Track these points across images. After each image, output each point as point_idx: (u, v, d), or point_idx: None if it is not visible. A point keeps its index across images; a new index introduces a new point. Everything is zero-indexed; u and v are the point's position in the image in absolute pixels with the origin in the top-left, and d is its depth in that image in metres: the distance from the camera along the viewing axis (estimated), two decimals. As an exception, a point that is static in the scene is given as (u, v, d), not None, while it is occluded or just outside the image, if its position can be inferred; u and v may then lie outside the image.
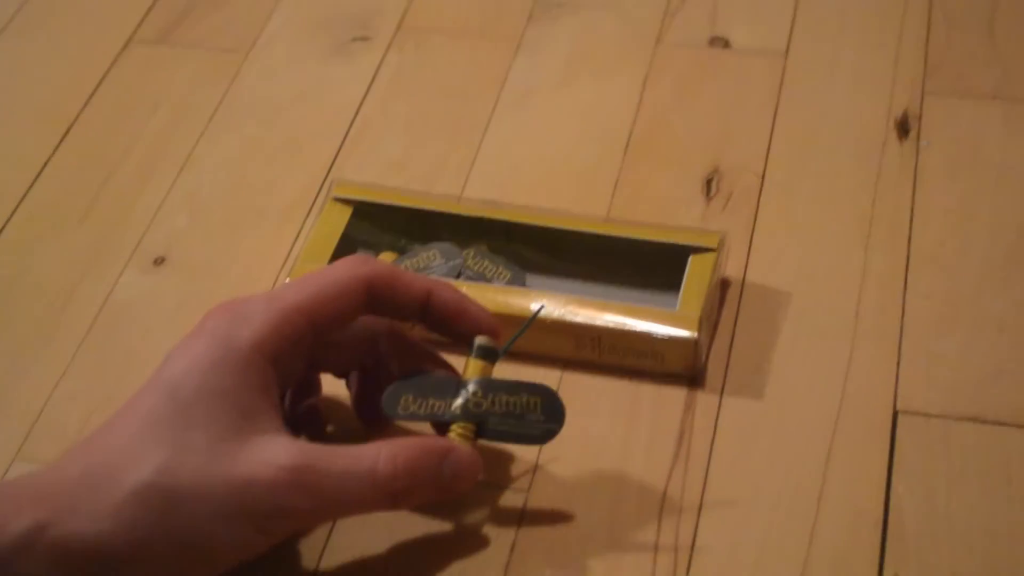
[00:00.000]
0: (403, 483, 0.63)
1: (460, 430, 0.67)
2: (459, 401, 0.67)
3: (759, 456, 0.71)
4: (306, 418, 0.71)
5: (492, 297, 0.74)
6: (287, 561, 0.68)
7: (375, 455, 0.63)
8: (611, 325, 0.74)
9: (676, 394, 0.74)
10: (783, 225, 0.82)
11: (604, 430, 0.73)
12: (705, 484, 0.70)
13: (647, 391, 0.74)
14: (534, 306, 0.74)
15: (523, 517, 0.69)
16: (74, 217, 0.86)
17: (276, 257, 0.82)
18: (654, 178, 0.85)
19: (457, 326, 0.69)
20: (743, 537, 0.68)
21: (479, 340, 0.68)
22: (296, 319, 0.65)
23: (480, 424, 0.67)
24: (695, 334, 0.73)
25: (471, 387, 0.67)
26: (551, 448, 0.71)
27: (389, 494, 0.63)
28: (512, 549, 0.68)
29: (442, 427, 0.68)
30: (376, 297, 0.67)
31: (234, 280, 0.81)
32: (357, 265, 0.67)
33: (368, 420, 0.71)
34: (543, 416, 0.67)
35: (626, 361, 0.75)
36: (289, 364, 0.66)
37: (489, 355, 0.68)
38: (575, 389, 0.74)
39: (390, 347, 0.70)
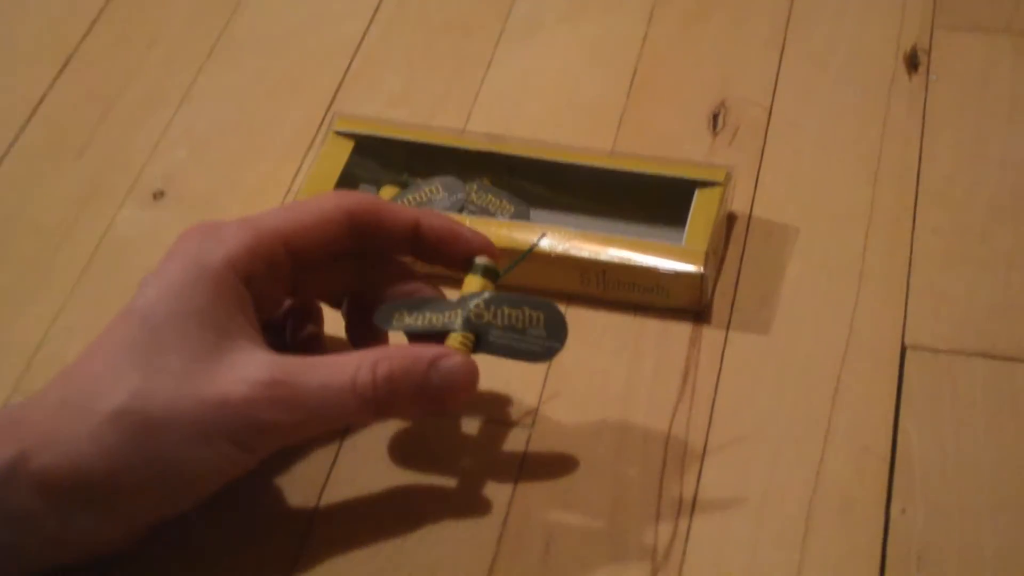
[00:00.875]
0: (385, 392, 0.61)
1: (459, 339, 0.64)
2: (459, 312, 0.65)
3: (765, 392, 0.70)
4: (307, 346, 0.70)
5: (496, 231, 0.73)
6: (287, 496, 0.67)
7: (356, 364, 0.61)
8: (616, 259, 0.73)
9: (681, 329, 0.73)
10: (790, 160, 0.81)
11: (608, 365, 0.72)
12: (711, 420, 0.69)
13: (652, 326, 0.73)
14: (535, 239, 0.72)
15: (525, 455, 0.68)
16: (72, 151, 0.85)
17: (277, 191, 0.81)
18: (659, 112, 0.84)
19: (451, 251, 0.67)
20: (749, 474, 0.67)
21: (479, 259, 0.67)
22: (271, 241, 0.64)
23: (480, 336, 0.64)
24: (701, 268, 0.72)
25: (472, 300, 0.65)
26: (554, 384, 0.71)
27: (371, 404, 0.61)
28: (514, 487, 0.67)
29: (439, 339, 0.65)
30: (361, 228, 0.66)
31: (234, 214, 0.80)
32: (340, 196, 0.66)
33: (361, 343, 0.70)
34: (545, 332, 0.65)
35: (631, 296, 0.74)
36: (265, 287, 0.64)
37: (489, 273, 0.66)
38: (579, 324, 0.73)
39: (380, 273, 0.68)
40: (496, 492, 0.67)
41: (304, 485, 0.68)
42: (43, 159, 0.84)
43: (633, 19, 0.90)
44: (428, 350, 0.63)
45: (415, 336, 0.66)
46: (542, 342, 0.64)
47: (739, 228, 0.78)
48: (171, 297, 0.62)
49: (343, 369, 0.61)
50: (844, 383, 0.70)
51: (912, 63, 0.85)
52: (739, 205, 0.78)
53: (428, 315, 0.65)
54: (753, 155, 0.81)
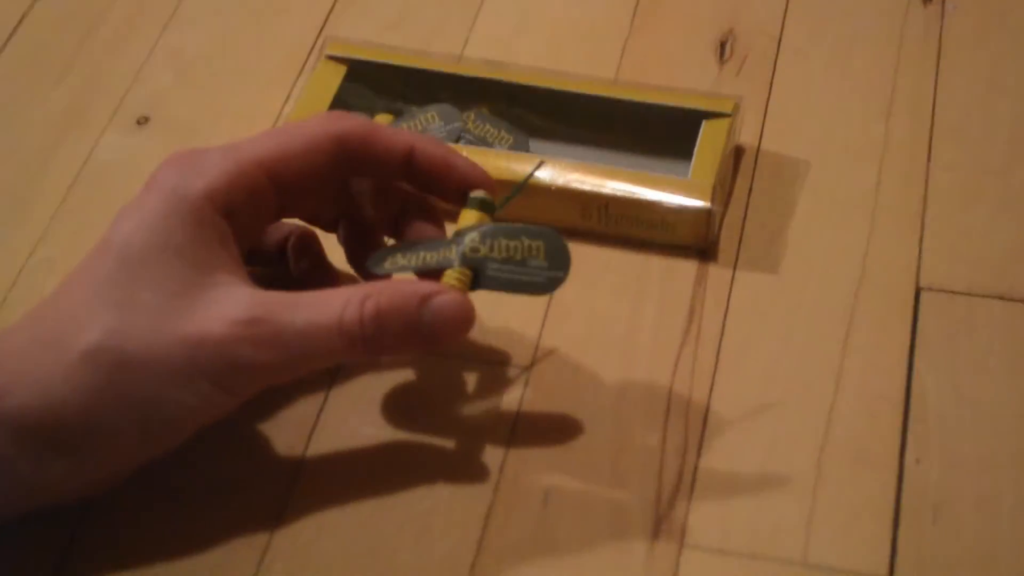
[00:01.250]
0: (373, 330, 0.58)
1: (456, 275, 0.60)
2: (454, 248, 0.61)
3: (773, 335, 0.67)
4: (313, 275, 0.67)
5: (494, 162, 0.70)
6: (273, 442, 0.65)
7: (343, 300, 0.58)
8: (619, 193, 0.70)
9: (687, 267, 0.70)
10: (800, 92, 0.78)
11: (610, 305, 0.69)
12: (717, 364, 0.66)
13: (656, 264, 0.70)
14: (532, 168, 0.69)
15: (522, 401, 0.65)
16: (51, 76, 0.81)
17: (266, 118, 0.78)
18: (665, 40, 0.81)
19: (445, 181, 0.64)
20: (757, 421, 0.64)
21: (474, 193, 0.63)
22: (253, 171, 0.61)
23: (477, 271, 0.61)
24: (708, 204, 0.69)
25: (467, 234, 0.61)
26: (554, 324, 0.68)
27: (358, 343, 0.58)
28: (511, 434, 0.64)
29: (435, 278, 0.61)
30: (350, 154, 0.63)
31: (222, 141, 0.76)
32: (330, 120, 0.63)
33: (365, 274, 0.66)
34: (547, 262, 0.61)
35: (634, 232, 0.71)
36: (248, 219, 0.61)
37: (485, 207, 0.63)
38: (580, 261, 0.69)
39: (371, 194, 0.66)
40: (492, 440, 0.64)
41: (291, 430, 0.65)
42: (21, 85, 0.81)
43: (638, -58, 0.86)
44: (420, 286, 0.59)
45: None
46: (544, 272, 0.61)
47: (747, 162, 0.74)
48: (147, 230, 0.59)
49: (329, 306, 0.58)
50: (856, 326, 0.67)
51: (928, -9, 0.82)
52: (747, 138, 0.75)
53: (422, 254, 0.62)
54: (762, 86, 0.78)
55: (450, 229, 0.64)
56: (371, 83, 0.76)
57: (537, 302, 0.68)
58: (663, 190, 0.70)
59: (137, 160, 0.76)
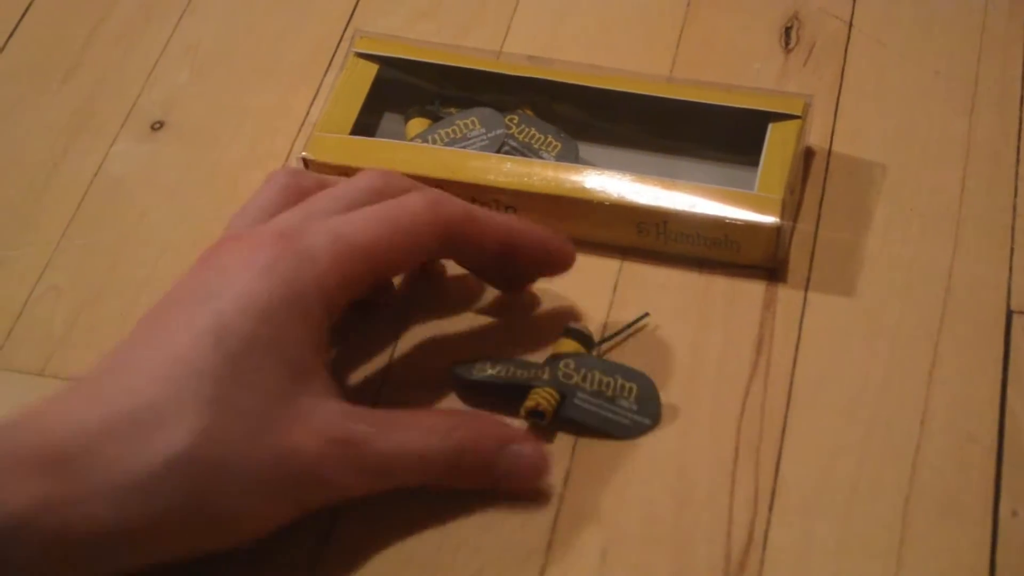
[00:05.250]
0: (453, 462, 0.56)
1: (543, 394, 0.59)
2: (547, 369, 0.60)
3: (851, 367, 0.61)
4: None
5: (541, 173, 0.64)
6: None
7: (427, 430, 0.56)
8: (679, 207, 0.64)
9: (754, 289, 0.64)
10: (874, 84, 0.71)
11: (670, 332, 0.63)
12: (789, 401, 0.60)
13: (719, 286, 0.64)
14: (637, 317, 0.64)
15: (576, 443, 0.60)
16: (57, 76, 0.75)
17: (291, 121, 0.72)
18: (724, 27, 0.74)
19: (539, 269, 0.62)
20: (834, 466, 0.58)
21: (573, 324, 0.62)
22: (360, 263, 0.56)
23: (565, 397, 0.59)
24: (778, 220, 0.63)
25: (562, 359, 0.60)
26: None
27: (434, 475, 0.56)
28: (565, 482, 0.59)
29: (522, 393, 0.59)
30: (450, 243, 0.58)
31: (244, 148, 0.71)
32: (434, 207, 0.58)
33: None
34: (636, 405, 0.60)
35: (695, 250, 0.64)
36: (341, 310, 0.57)
37: (584, 340, 0.61)
38: (636, 281, 0.64)
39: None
40: (544, 491, 0.58)
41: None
42: (24, 86, 0.74)
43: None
44: (503, 429, 0.58)
45: (496, 388, 0.60)
46: (631, 415, 0.60)
47: (817, 166, 0.68)
48: (254, 318, 0.53)
49: (416, 433, 0.56)
50: (941, 356, 0.61)
51: (1012, -33, 0.75)
52: (816, 139, 0.69)
53: (513, 368, 0.60)
54: (832, 77, 0.71)
55: (544, 353, 0.62)
56: (404, 82, 0.70)
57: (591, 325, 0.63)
58: (728, 204, 0.63)
59: (152, 170, 0.71)
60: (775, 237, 0.63)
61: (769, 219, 0.63)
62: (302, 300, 0.54)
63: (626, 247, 0.65)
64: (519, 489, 0.58)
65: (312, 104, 0.72)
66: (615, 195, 0.64)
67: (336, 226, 0.56)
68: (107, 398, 0.52)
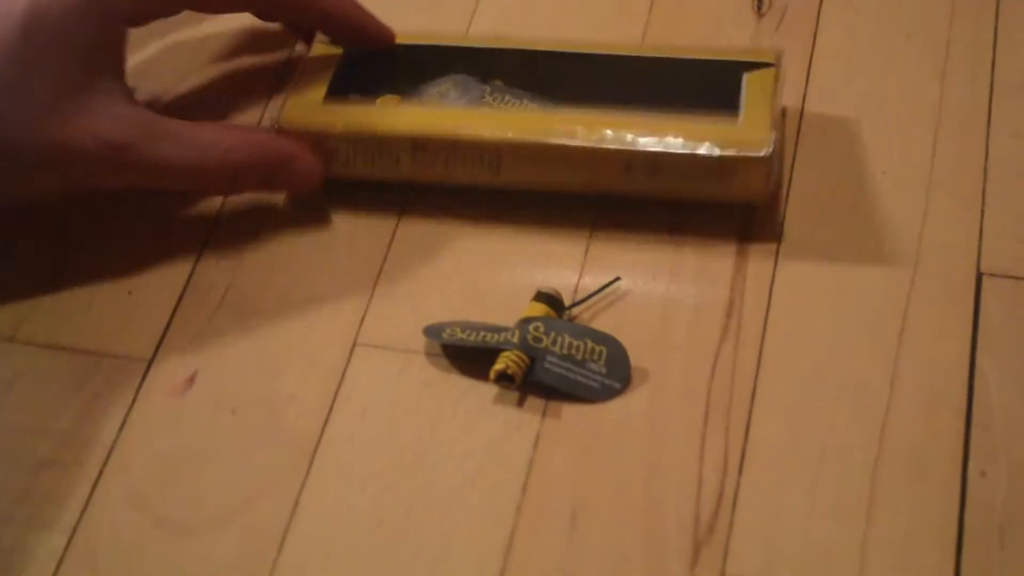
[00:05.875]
0: (228, 179, 0.63)
1: (512, 356, 0.59)
2: (516, 332, 0.60)
3: (821, 329, 0.61)
4: None
5: (519, 119, 0.65)
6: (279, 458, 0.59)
7: (207, 143, 0.62)
8: (668, 149, 0.63)
9: (724, 254, 0.64)
10: (846, 47, 0.71)
11: (640, 296, 0.63)
12: (759, 364, 0.60)
13: (690, 251, 0.64)
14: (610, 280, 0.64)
15: (547, 407, 0.60)
16: None
17: (252, 112, 0.72)
18: (696, -7, 0.74)
19: (352, 36, 0.69)
20: (804, 429, 0.58)
21: (544, 287, 0.62)
22: None
23: (535, 360, 0.60)
24: (770, 148, 0.62)
25: (532, 322, 0.60)
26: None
27: (212, 184, 0.65)
28: (535, 446, 0.59)
29: (491, 356, 0.60)
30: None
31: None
32: None
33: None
34: (606, 368, 0.60)
35: (684, 189, 0.64)
36: (144, 19, 0.65)
37: (554, 304, 0.61)
38: (607, 245, 0.64)
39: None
40: (511, 458, 0.58)
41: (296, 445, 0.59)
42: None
43: None
44: (281, 148, 0.64)
45: (466, 350, 0.61)
46: (600, 379, 0.60)
47: (788, 130, 0.68)
48: (59, 15, 0.59)
49: (194, 146, 0.62)
50: (911, 317, 0.61)
51: (984, -70, 0.75)
52: (789, 100, 0.69)
53: (483, 333, 0.60)
54: (804, 42, 0.71)
55: (514, 316, 0.61)
56: (369, 65, 0.69)
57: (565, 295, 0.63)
58: (717, 138, 0.63)
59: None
60: (766, 169, 0.63)
61: (760, 152, 0.62)
62: (106, 9, 0.61)
63: (612, 194, 0.65)
64: (295, 189, 0.66)
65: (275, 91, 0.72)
66: (598, 139, 0.63)
67: None
68: None
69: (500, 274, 0.64)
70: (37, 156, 0.60)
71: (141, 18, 0.64)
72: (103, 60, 0.61)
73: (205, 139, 0.62)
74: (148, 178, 0.62)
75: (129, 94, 0.62)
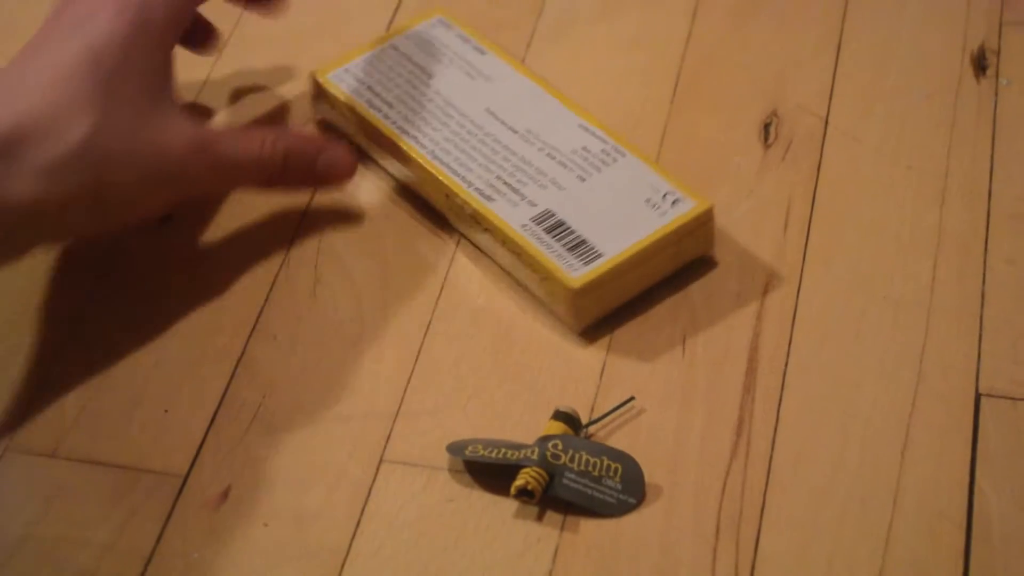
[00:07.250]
0: (281, 168, 0.70)
1: (532, 473, 0.62)
2: (536, 450, 0.62)
3: (828, 447, 0.64)
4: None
5: None
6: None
7: (261, 138, 0.70)
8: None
9: (734, 373, 0.67)
10: (849, 177, 0.74)
11: (654, 415, 0.66)
12: (768, 480, 0.63)
13: (701, 369, 0.67)
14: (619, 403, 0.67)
15: (565, 520, 0.62)
16: None
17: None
18: (706, 123, 0.77)
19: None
20: (811, 543, 0.61)
21: (562, 407, 0.65)
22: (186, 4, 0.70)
23: (553, 477, 0.62)
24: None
25: (551, 440, 0.63)
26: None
27: (270, 174, 0.71)
28: (555, 557, 0.61)
29: (511, 473, 0.62)
30: None
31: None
32: None
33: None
34: (621, 485, 0.62)
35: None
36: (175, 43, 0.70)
37: (571, 423, 0.64)
38: (622, 365, 0.67)
39: None
40: (535, 568, 0.61)
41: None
42: None
43: (676, 16, 0.83)
44: (316, 139, 0.75)
45: (488, 466, 0.63)
46: (616, 494, 0.62)
47: (793, 257, 0.71)
48: (120, 49, 0.65)
49: (251, 142, 0.70)
50: (913, 437, 0.64)
51: (980, 65, 0.78)
52: (794, 231, 0.72)
53: (504, 449, 0.63)
54: (809, 171, 0.75)
55: (534, 434, 0.64)
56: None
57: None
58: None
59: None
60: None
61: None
62: (157, 33, 0.67)
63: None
64: (335, 183, 0.73)
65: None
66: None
67: None
68: (6, 109, 0.63)
69: (520, 394, 0.67)
70: (145, 165, 0.66)
71: (178, 27, 0.70)
72: (165, 83, 0.68)
73: (255, 133, 0.70)
74: (226, 176, 0.70)
75: (185, 113, 0.69)
